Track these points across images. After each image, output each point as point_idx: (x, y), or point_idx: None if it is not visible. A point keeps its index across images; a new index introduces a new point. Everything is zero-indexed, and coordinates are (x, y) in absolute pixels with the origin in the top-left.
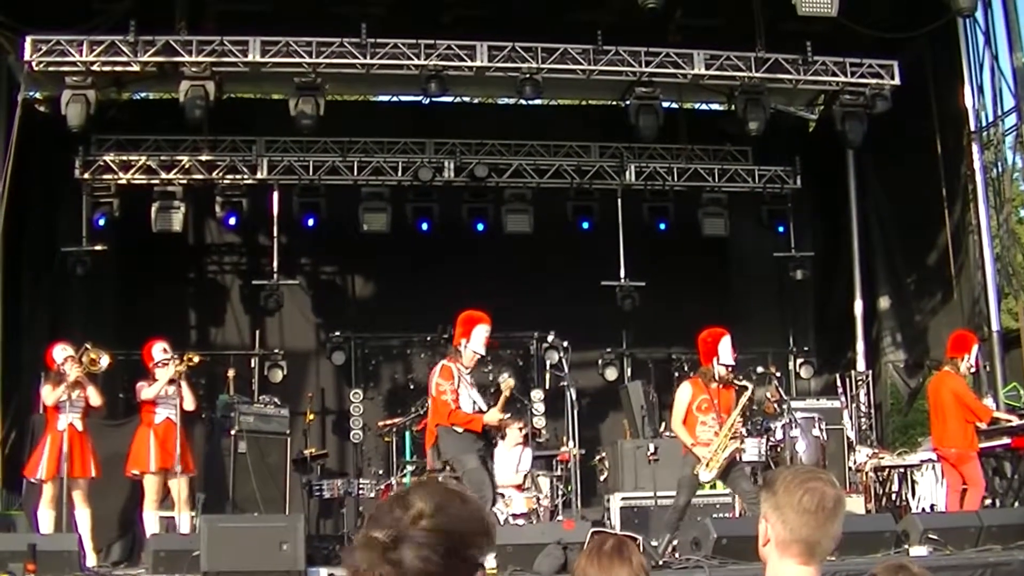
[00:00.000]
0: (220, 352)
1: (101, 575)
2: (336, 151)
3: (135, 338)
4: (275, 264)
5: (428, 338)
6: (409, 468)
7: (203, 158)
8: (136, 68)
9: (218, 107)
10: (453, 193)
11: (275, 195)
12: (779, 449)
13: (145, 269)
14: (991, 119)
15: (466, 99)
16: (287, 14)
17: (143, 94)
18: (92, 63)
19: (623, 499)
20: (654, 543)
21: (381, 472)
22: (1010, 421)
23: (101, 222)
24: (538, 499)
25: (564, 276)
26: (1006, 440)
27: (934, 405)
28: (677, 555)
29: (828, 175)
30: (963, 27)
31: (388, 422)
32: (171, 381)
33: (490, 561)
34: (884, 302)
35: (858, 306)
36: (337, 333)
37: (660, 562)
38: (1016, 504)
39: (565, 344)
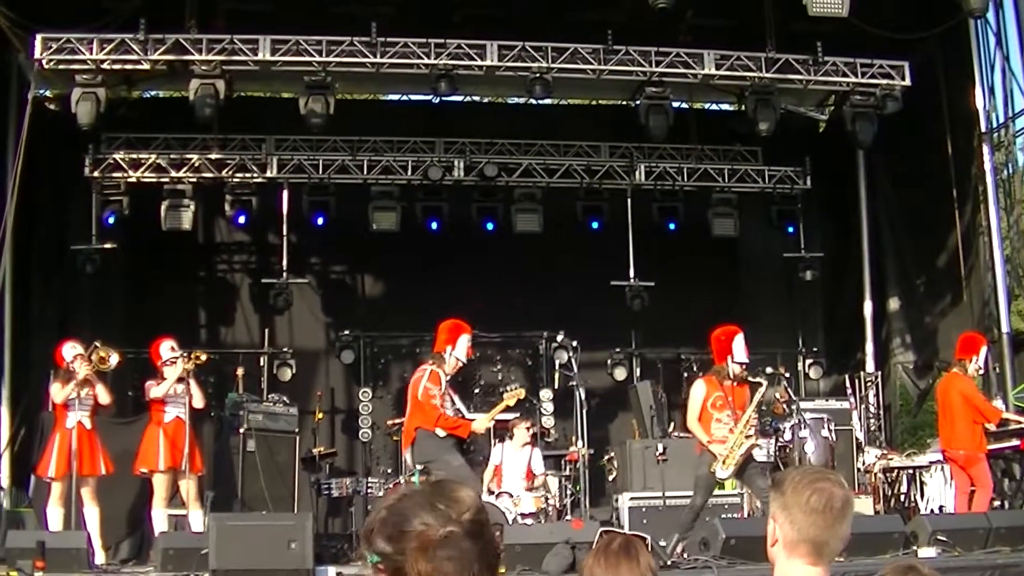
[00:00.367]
0: (229, 351)
1: (110, 573)
2: (346, 150)
3: (144, 336)
4: (284, 263)
5: None
6: (417, 467)
7: (213, 156)
8: (146, 66)
9: (228, 105)
10: (463, 192)
11: (285, 194)
12: (788, 450)
13: (154, 267)
14: (1002, 120)
15: (476, 98)
16: (297, 13)
17: (153, 92)
18: (102, 61)
19: (632, 499)
20: (663, 543)
21: (390, 471)
22: (1019, 423)
23: (111, 220)
24: (547, 499)
25: (573, 276)
26: (1015, 442)
27: (943, 406)
28: (686, 555)
29: (838, 176)
30: (974, 28)
31: (397, 421)
32: (180, 379)
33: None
34: (894, 303)
35: (868, 307)
36: (346, 332)
37: (669, 562)
38: None
39: (574, 344)
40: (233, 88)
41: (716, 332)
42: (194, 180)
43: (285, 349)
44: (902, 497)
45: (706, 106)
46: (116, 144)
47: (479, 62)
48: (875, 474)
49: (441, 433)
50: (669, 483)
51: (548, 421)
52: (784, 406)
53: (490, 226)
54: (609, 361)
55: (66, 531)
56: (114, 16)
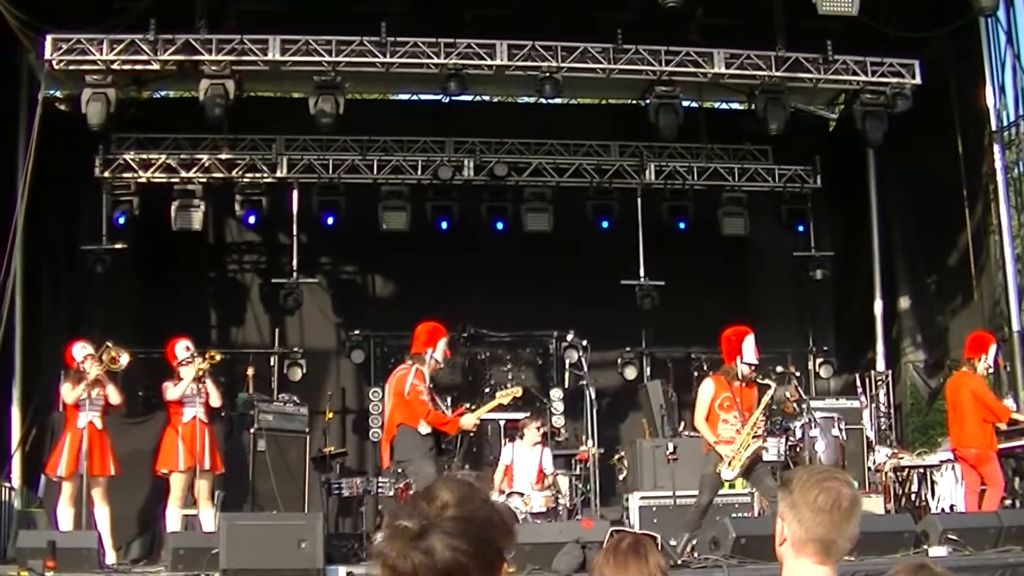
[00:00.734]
0: (240, 350)
1: (120, 572)
2: (356, 150)
3: (155, 336)
4: (295, 263)
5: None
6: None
7: (223, 157)
8: (156, 67)
9: (238, 106)
10: (472, 192)
11: (295, 194)
12: (798, 449)
13: (165, 268)
14: (1012, 119)
15: (486, 98)
16: (307, 13)
17: (163, 93)
18: (112, 62)
19: (642, 498)
20: (673, 542)
21: (400, 471)
22: None
23: (121, 220)
24: (557, 498)
25: (583, 275)
26: None
27: (953, 405)
28: (696, 554)
29: (848, 175)
30: (985, 26)
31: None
32: (196, 379)
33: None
34: (904, 302)
35: (878, 306)
36: (356, 332)
37: (679, 561)
38: None
39: (584, 343)
40: (243, 88)
41: (726, 332)
42: (204, 180)
43: (295, 349)
44: (913, 496)
45: (716, 105)
46: (126, 144)
47: (489, 61)
48: (886, 473)
49: (424, 430)
50: (679, 482)
51: (558, 421)
52: (794, 405)
53: (500, 225)
54: (619, 360)
55: (77, 531)
56: (124, 17)
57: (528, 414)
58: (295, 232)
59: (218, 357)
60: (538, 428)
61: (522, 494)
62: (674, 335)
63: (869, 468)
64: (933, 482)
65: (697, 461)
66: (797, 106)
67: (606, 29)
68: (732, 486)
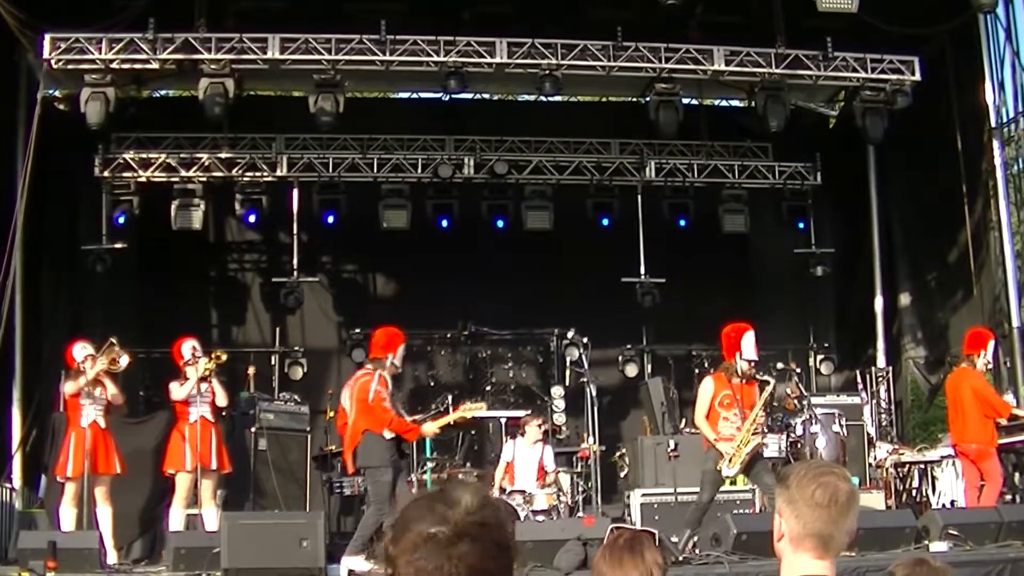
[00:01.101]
0: (240, 350)
1: (122, 572)
2: (356, 148)
3: (155, 336)
4: (295, 261)
5: (448, 335)
6: (429, 465)
7: (223, 156)
8: (155, 66)
9: (237, 104)
10: (473, 190)
11: (295, 192)
12: (799, 445)
13: (165, 267)
14: (1012, 115)
15: (486, 96)
16: (306, 11)
17: (162, 92)
18: (111, 61)
19: (643, 495)
20: (674, 539)
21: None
22: None
23: (121, 220)
24: (559, 495)
25: (584, 273)
26: None
27: (953, 401)
28: (697, 551)
29: (848, 171)
30: (984, 23)
31: (414, 418)
32: (203, 379)
33: None
34: (905, 298)
35: (878, 302)
36: (357, 330)
37: (680, 558)
38: None
39: (585, 341)
40: (243, 87)
41: (726, 329)
42: (204, 179)
43: (296, 348)
44: (914, 492)
45: (716, 102)
46: (126, 144)
47: (489, 59)
48: (887, 469)
49: (387, 435)
50: (681, 479)
51: (560, 418)
52: (795, 401)
53: (500, 223)
54: (620, 358)
55: (78, 531)
56: (123, 16)
57: (529, 412)
58: (295, 231)
59: (224, 357)
60: (539, 426)
61: (524, 492)
62: (675, 332)
63: (870, 464)
64: (934, 478)
65: (698, 458)
66: (797, 103)
67: (606, 26)
68: (733, 482)
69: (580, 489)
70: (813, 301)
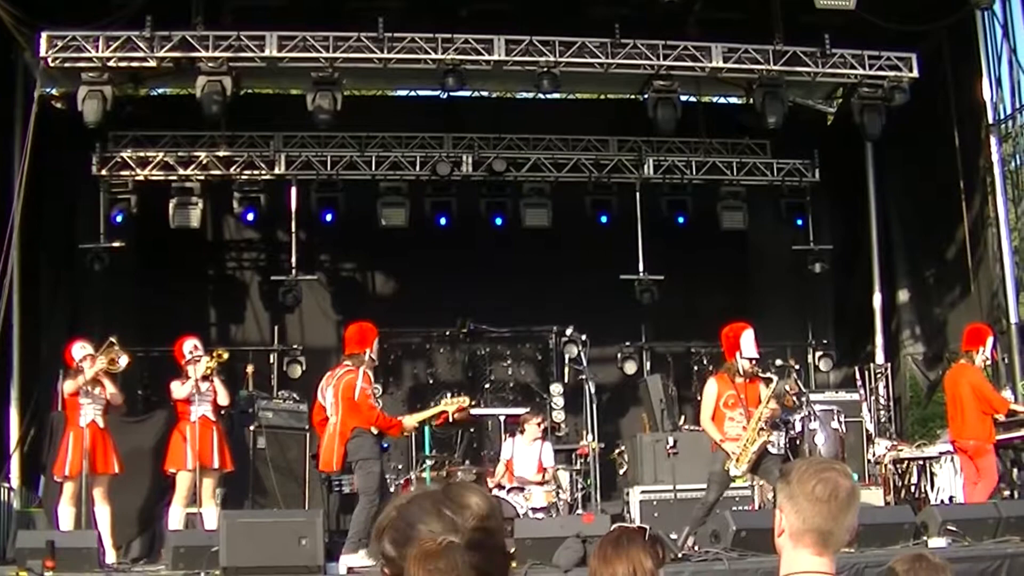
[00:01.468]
0: (239, 348)
1: (120, 571)
2: (354, 146)
3: (153, 335)
4: (294, 260)
5: (447, 333)
6: (428, 463)
7: (221, 154)
8: (152, 64)
9: (235, 103)
10: (471, 188)
11: (293, 191)
12: (798, 442)
13: (163, 265)
14: (1009, 111)
15: (484, 93)
16: (304, 8)
17: (160, 90)
18: (108, 59)
19: (642, 492)
20: (673, 535)
21: (400, 467)
22: None
23: (119, 219)
24: (558, 493)
25: (582, 270)
26: None
27: (951, 397)
28: (696, 547)
29: (846, 168)
30: (981, 19)
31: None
32: (204, 378)
33: None
34: (903, 295)
35: (877, 299)
36: None
37: (680, 554)
38: None
39: (584, 338)
40: (240, 85)
41: (725, 329)
42: (202, 178)
43: (295, 346)
44: (912, 488)
45: (714, 99)
46: (123, 142)
47: (487, 57)
48: (885, 465)
49: (374, 431)
50: (680, 476)
51: (559, 416)
52: (794, 398)
53: (499, 221)
54: (619, 355)
55: (76, 530)
56: (120, 13)
57: (528, 409)
58: (294, 229)
59: (225, 355)
60: (538, 423)
61: (522, 489)
62: (674, 329)
63: (869, 460)
64: (932, 474)
65: (698, 455)
66: (795, 100)
67: (604, 24)
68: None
69: (579, 486)
70: (811, 298)
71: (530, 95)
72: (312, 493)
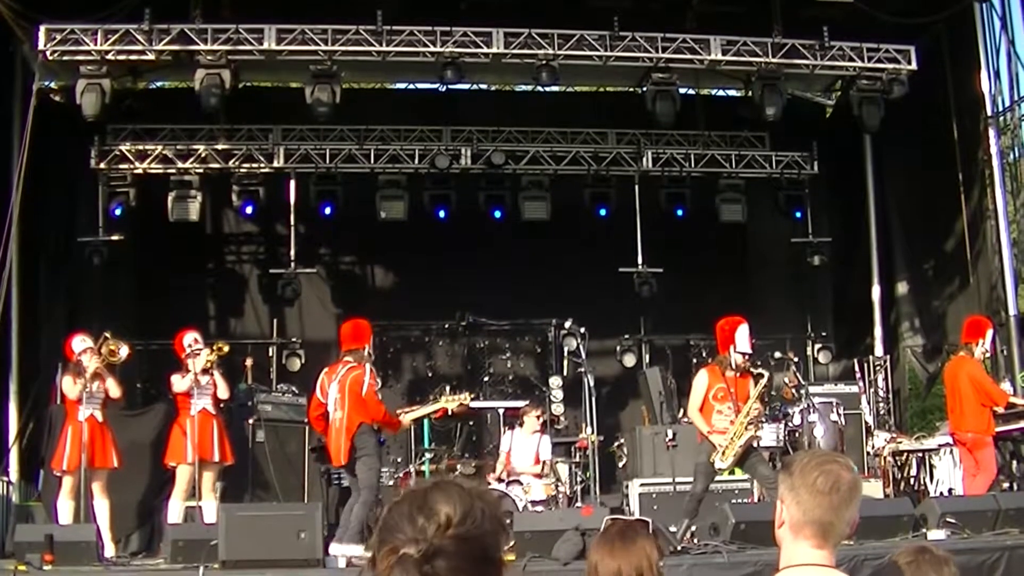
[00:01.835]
0: (238, 341)
1: (119, 565)
2: (353, 139)
3: (153, 328)
4: (293, 253)
5: (447, 326)
6: (427, 456)
7: (219, 147)
8: (151, 57)
9: (234, 95)
10: (470, 180)
11: (292, 184)
12: (797, 434)
13: (162, 259)
14: (1008, 104)
15: (483, 86)
16: (302, 1)
17: (159, 83)
18: (107, 52)
19: (642, 485)
20: (672, 528)
21: (400, 460)
22: None
23: (117, 212)
24: (557, 486)
25: (582, 263)
26: (1023, 424)
27: (951, 390)
28: (696, 540)
29: (845, 161)
30: (980, 12)
31: (406, 410)
32: (204, 371)
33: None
34: (902, 287)
35: (876, 291)
36: None
37: (679, 547)
38: None
39: (583, 331)
40: (239, 78)
41: (720, 322)
42: (201, 171)
43: (294, 339)
44: (912, 480)
45: (713, 92)
46: (122, 135)
47: (485, 49)
48: (884, 458)
49: (375, 426)
50: (679, 469)
51: (558, 408)
52: (793, 391)
53: (498, 214)
54: (618, 348)
55: (75, 524)
56: (118, 6)
57: (528, 402)
58: (293, 222)
59: (226, 348)
60: (537, 416)
61: (521, 482)
62: (673, 322)
63: (868, 453)
64: (931, 466)
65: (696, 448)
66: (794, 92)
67: (603, 16)
68: (732, 472)
69: (578, 479)
70: (810, 290)
71: (529, 88)
72: (311, 486)
